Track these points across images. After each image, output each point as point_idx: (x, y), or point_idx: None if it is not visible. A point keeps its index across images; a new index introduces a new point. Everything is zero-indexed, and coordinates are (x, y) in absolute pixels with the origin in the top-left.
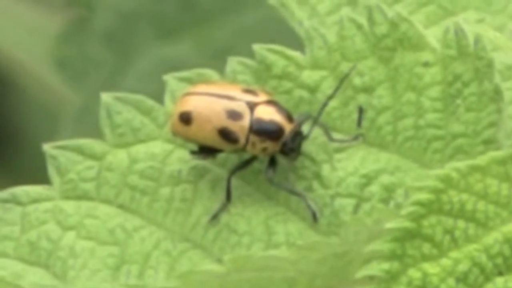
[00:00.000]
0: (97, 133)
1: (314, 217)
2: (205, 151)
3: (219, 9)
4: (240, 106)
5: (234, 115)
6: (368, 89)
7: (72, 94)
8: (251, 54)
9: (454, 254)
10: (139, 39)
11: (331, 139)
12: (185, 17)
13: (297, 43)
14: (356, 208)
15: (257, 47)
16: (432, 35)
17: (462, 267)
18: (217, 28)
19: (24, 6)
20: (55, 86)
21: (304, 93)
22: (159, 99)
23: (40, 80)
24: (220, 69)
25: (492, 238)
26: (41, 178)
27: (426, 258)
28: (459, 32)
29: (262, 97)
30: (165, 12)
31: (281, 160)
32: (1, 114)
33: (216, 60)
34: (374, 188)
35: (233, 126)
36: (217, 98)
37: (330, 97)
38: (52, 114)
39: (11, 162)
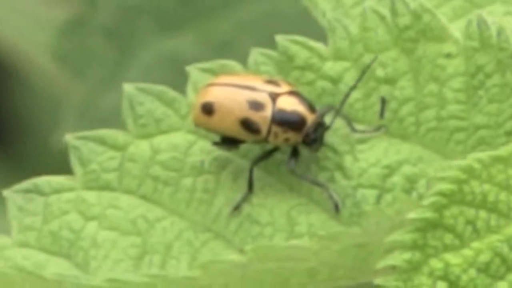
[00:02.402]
0: (99, 127)
1: (336, 208)
2: (228, 142)
3: (220, 2)
4: (262, 97)
5: (256, 106)
6: (390, 81)
7: (75, 85)
8: (252, 48)
9: (475, 244)
10: (140, 33)
11: (353, 130)
12: (186, 11)
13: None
14: (378, 199)
15: (279, 38)
16: (457, 28)
17: (484, 257)
18: (218, 21)
19: None
20: (59, 77)
21: (327, 84)
22: None
23: (44, 71)
24: None
25: None
26: (44, 167)
27: (447, 248)
28: (482, 24)
29: (284, 88)
30: (166, 6)
31: (304, 151)
32: (4, 104)
33: (218, 53)
34: (396, 179)
35: (255, 116)
36: (239, 88)
37: (352, 88)
38: (55, 105)
39: (14, 152)
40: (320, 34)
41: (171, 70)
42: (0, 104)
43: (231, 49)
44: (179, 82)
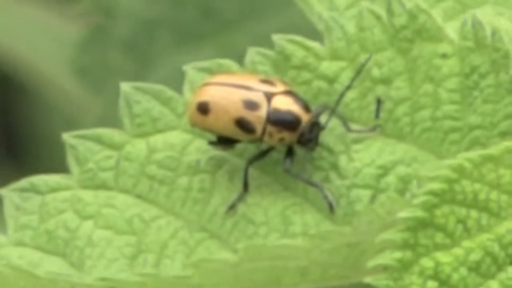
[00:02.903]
0: None
1: (331, 207)
2: (223, 141)
3: (239, 16)
4: (257, 96)
5: (251, 105)
6: (386, 81)
7: (92, 101)
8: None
9: (466, 243)
10: (158, 46)
11: (349, 130)
12: (204, 25)
13: None
14: (372, 199)
15: (276, 38)
16: (450, 28)
17: (475, 256)
18: (236, 35)
19: (44, 13)
20: (75, 93)
21: (323, 84)
22: None
23: (60, 87)
24: None
25: (505, 227)
26: None
27: (438, 247)
28: (477, 24)
29: (280, 88)
30: (184, 19)
31: (299, 151)
32: (21, 122)
33: None
34: (390, 179)
35: (250, 116)
36: (235, 88)
37: (347, 87)
38: (72, 122)
39: (30, 170)
40: None
41: None
42: (17, 122)
43: None
44: None
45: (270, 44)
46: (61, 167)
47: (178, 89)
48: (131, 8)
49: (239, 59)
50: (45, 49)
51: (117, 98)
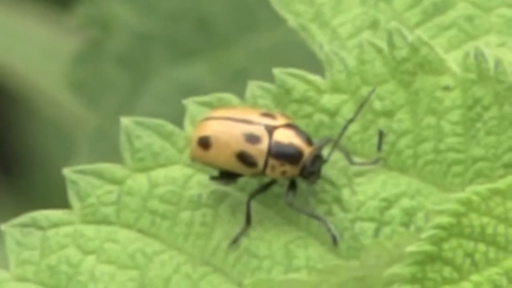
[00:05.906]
0: (112, 156)
1: (334, 241)
2: (225, 176)
3: (234, 31)
4: (258, 130)
5: (253, 139)
6: (388, 113)
7: (87, 116)
8: (266, 77)
9: (474, 277)
10: (154, 61)
11: (351, 163)
12: (200, 40)
13: (312, 66)
14: (376, 232)
15: (277, 71)
16: (453, 59)
17: None
18: (232, 50)
19: (40, 27)
20: (70, 108)
21: (324, 117)
22: (175, 122)
23: (55, 102)
24: (236, 92)
25: None
26: (56, 200)
27: (446, 281)
28: (479, 56)
29: (281, 121)
30: (180, 34)
31: (301, 184)
32: (15, 136)
33: (232, 82)
34: (394, 211)
35: (251, 150)
36: (235, 122)
37: (350, 121)
38: (67, 137)
39: (25, 185)
40: None
41: (185, 98)
42: (10, 136)
43: (246, 78)
44: None
45: (265, 60)
46: (53, 183)
47: (173, 105)
48: (126, 23)
49: (236, 74)
50: (40, 63)
51: (113, 113)
